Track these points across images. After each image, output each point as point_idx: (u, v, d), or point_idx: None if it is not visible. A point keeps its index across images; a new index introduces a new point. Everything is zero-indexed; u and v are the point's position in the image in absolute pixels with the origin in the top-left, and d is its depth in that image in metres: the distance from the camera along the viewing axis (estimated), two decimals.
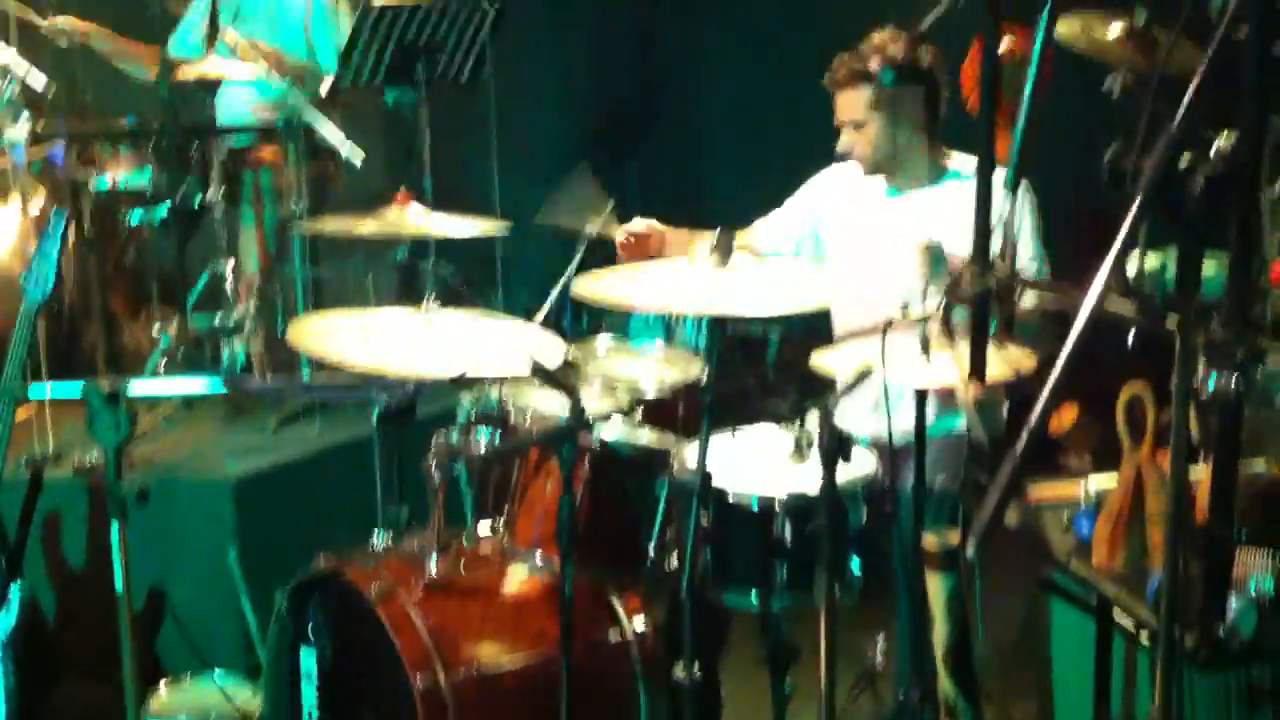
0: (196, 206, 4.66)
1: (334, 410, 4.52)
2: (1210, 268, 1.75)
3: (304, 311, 4.63)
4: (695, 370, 3.20)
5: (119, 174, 4.65)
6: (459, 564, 3.06)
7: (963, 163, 3.48)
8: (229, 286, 4.70)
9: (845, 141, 3.52)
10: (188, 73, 4.59)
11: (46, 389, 3.87)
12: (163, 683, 3.56)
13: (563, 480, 2.62)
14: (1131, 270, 1.81)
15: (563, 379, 2.68)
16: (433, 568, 2.96)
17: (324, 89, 4.88)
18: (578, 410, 2.63)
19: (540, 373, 2.63)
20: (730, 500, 2.81)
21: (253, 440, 4.42)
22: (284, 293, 4.75)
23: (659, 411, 3.15)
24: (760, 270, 2.85)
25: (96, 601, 3.80)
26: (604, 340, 3.54)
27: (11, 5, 4.71)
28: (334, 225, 3.71)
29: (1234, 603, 2.30)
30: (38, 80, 4.44)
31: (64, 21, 4.79)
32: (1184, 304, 1.59)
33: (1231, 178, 1.53)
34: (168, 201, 4.63)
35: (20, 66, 4.41)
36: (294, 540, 3.71)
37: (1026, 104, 2.21)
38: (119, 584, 2.72)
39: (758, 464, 2.91)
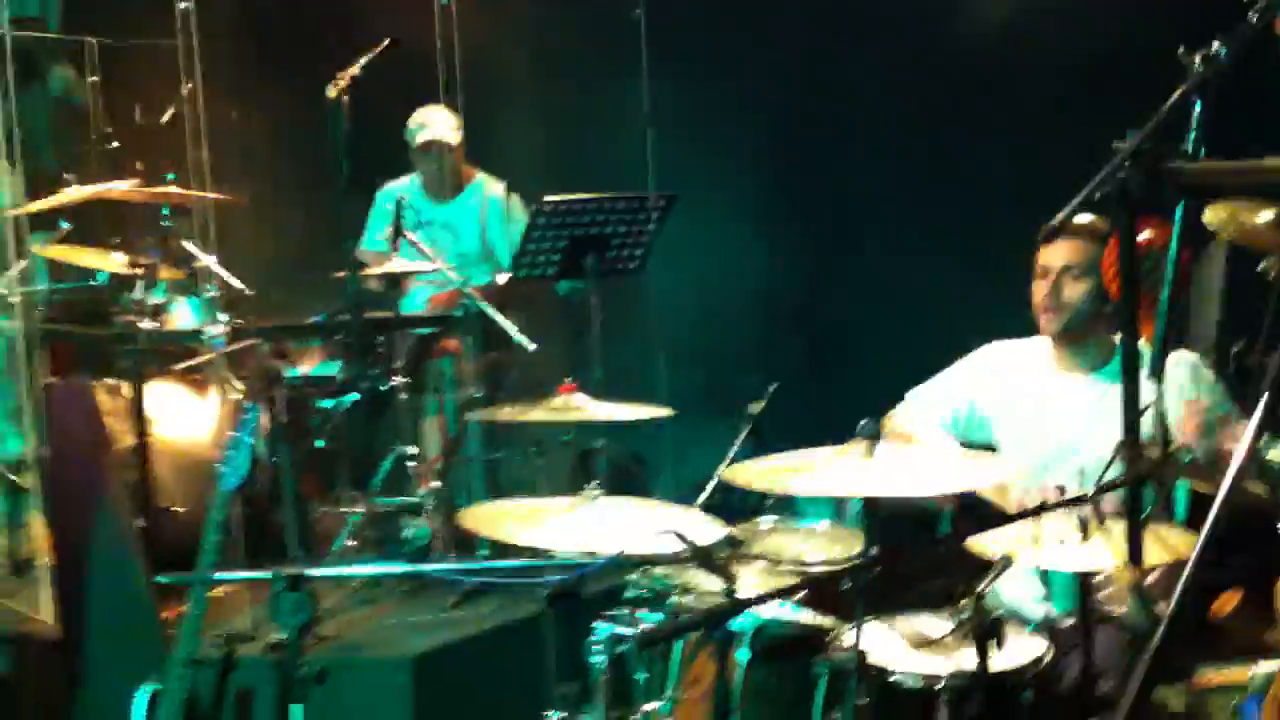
0: (382, 394, 4.95)
1: (508, 590, 4.66)
2: None
3: (482, 492, 4.85)
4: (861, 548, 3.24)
5: (310, 365, 4.98)
6: None
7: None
8: (412, 469, 4.94)
9: (1046, 291, 3.50)
10: (375, 270, 4.90)
11: (241, 572, 4.09)
12: None
13: (716, 663, 2.68)
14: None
15: (716, 560, 2.76)
16: None
17: (501, 280, 5.18)
18: (731, 592, 2.71)
19: (695, 553, 2.71)
20: (891, 679, 2.83)
21: (431, 618, 4.57)
22: (464, 475, 4.98)
23: (826, 590, 3.19)
24: (912, 452, 2.92)
25: None
26: (768, 519, 3.63)
27: None
28: (506, 413, 3.90)
29: None
30: (236, 283, 4.79)
31: None
32: None
33: None
34: (355, 390, 4.92)
35: (219, 270, 4.77)
36: (469, 717, 3.81)
37: (1166, 294, 2.27)
38: None
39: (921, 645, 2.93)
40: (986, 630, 2.44)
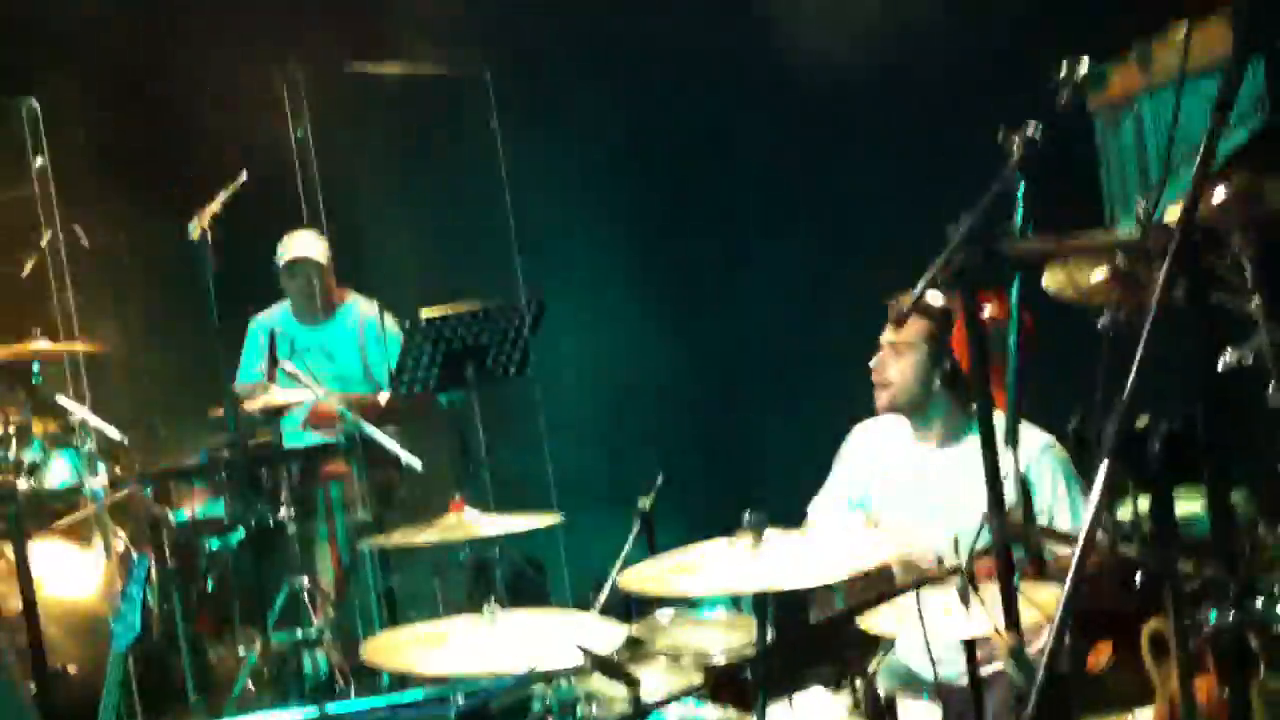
0: (271, 527, 4.92)
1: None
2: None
3: (380, 618, 4.82)
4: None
5: (195, 506, 4.93)
6: None
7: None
8: (306, 600, 4.89)
9: (873, 368, 3.64)
10: (253, 405, 4.89)
11: None
12: None
13: None
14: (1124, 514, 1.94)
15: (617, 666, 2.79)
16: None
17: (382, 400, 5.19)
18: (635, 698, 2.74)
19: (596, 663, 2.74)
20: None
21: None
22: (360, 602, 4.94)
23: (728, 681, 3.22)
24: (801, 542, 2.97)
25: None
26: (666, 612, 3.66)
27: None
28: (398, 538, 3.89)
29: None
30: (113, 432, 4.75)
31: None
32: (1163, 552, 1.72)
33: (1187, 433, 1.68)
34: (241, 527, 4.89)
35: (94, 420, 4.72)
36: None
37: (1012, 363, 2.38)
38: None
39: None
40: (876, 709, 2.49)
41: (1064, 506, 3.47)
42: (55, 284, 4.79)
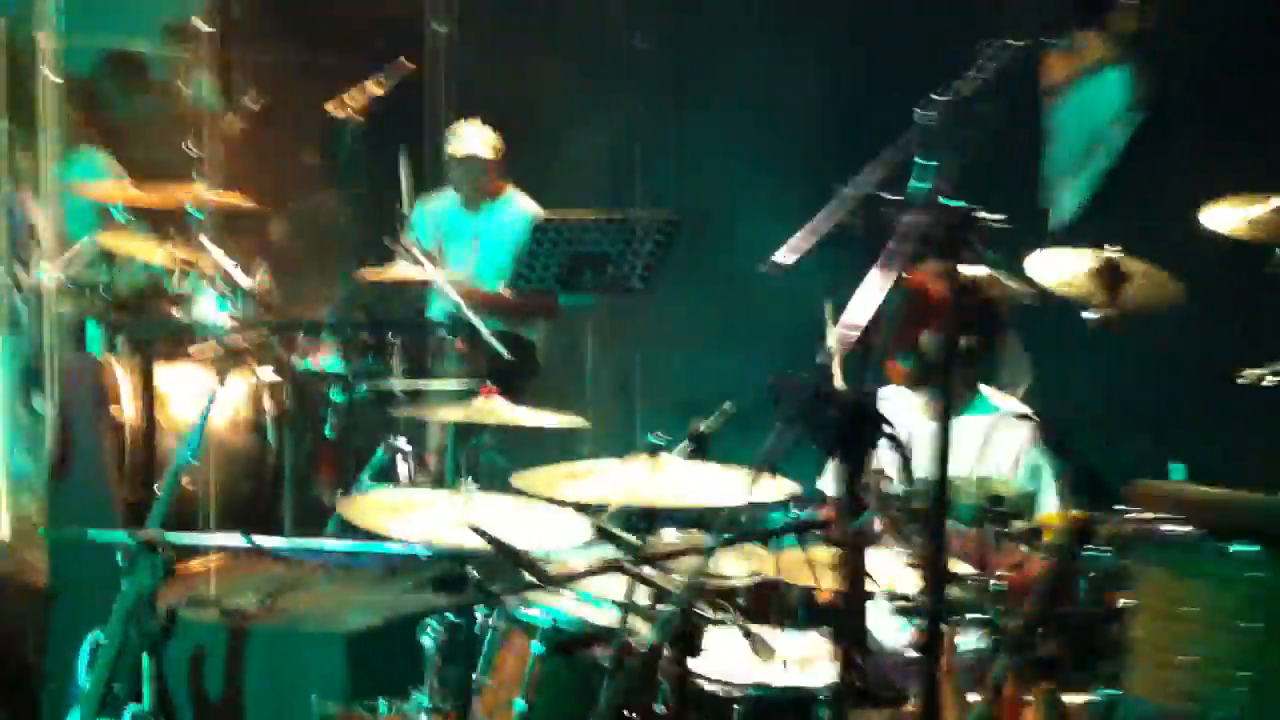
0: (387, 390, 5.27)
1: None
2: None
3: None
4: None
5: (321, 358, 5.33)
6: None
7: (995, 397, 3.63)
8: (399, 462, 5.24)
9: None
10: (378, 275, 5.24)
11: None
12: None
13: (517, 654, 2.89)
14: None
15: (508, 546, 2.92)
16: None
17: (503, 292, 5.47)
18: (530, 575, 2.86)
19: (489, 541, 2.89)
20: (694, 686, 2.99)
21: (380, 599, 4.82)
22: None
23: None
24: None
25: None
26: (671, 532, 3.78)
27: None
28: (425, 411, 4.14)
29: None
30: (246, 280, 5.18)
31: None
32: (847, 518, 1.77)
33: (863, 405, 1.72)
34: (363, 386, 5.26)
35: (233, 267, 5.17)
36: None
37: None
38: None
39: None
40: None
41: (1051, 494, 3.46)
42: (208, 139, 5.22)
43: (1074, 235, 3.28)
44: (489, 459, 5.12)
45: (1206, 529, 1.90)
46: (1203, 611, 1.84)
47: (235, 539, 3.77)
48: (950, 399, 2.25)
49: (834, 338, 2.19)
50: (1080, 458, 3.20)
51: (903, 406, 3.75)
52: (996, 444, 3.56)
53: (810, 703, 2.96)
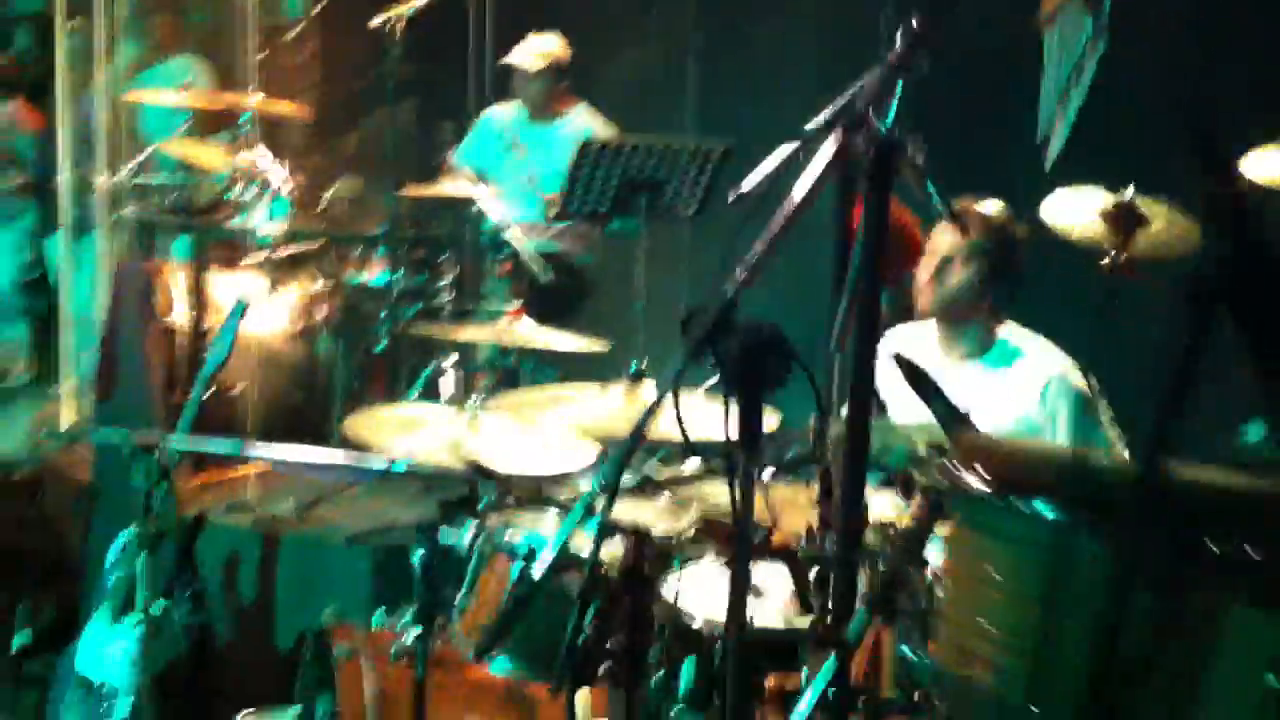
0: (436, 306, 5.31)
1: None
2: None
3: None
4: None
5: (373, 271, 5.38)
6: None
7: (1017, 336, 3.51)
8: (442, 379, 5.28)
9: (930, 273, 3.56)
10: (423, 190, 5.26)
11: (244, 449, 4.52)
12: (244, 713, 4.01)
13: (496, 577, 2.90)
14: None
15: (480, 465, 2.92)
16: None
17: (551, 213, 5.43)
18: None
19: (475, 468, 2.91)
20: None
21: (407, 512, 4.87)
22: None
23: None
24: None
25: (254, 638, 4.46)
26: (694, 462, 3.75)
27: None
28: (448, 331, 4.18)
29: None
30: (286, 185, 5.21)
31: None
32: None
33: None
34: (415, 300, 5.30)
35: (285, 176, 5.21)
36: None
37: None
38: (138, 601, 3.27)
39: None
40: None
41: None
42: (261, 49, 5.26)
43: (1072, 175, 3.12)
44: (534, 379, 5.13)
45: (1013, 486, 1.80)
46: (996, 575, 1.75)
47: (245, 447, 3.79)
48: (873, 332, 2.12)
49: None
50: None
51: (920, 344, 3.67)
52: (1011, 388, 3.46)
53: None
